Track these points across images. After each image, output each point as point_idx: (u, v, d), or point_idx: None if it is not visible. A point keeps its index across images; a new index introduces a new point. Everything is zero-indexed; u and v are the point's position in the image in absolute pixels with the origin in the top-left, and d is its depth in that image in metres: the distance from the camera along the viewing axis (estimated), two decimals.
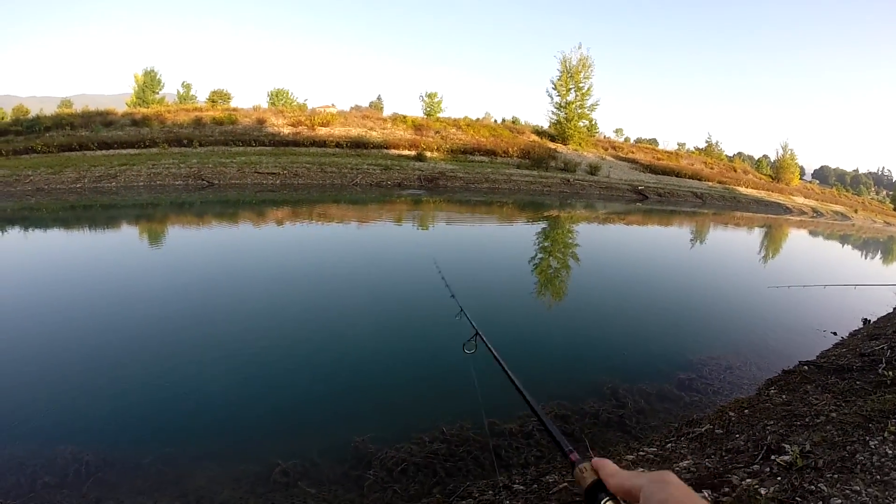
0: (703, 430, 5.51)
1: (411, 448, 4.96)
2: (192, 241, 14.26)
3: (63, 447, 4.72)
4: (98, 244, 13.56)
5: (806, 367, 7.70)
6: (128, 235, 14.70)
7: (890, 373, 6.59)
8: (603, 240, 20.22)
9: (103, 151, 28.30)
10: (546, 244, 17.44)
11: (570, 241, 18.74)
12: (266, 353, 7.07)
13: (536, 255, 15.48)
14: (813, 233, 36.56)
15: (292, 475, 4.52)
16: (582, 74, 48.27)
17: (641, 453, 5.03)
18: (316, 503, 4.25)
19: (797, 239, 31.64)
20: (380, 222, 18.78)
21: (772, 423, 5.40)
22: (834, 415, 5.34)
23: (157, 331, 7.61)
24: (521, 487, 4.33)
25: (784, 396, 6.46)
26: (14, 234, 14.41)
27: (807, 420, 5.33)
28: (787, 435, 4.93)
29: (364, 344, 7.69)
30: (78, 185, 22.54)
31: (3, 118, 38.09)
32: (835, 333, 10.22)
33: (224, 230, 15.85)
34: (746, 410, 6.02)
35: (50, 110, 43.08)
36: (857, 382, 6.58)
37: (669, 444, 5.27)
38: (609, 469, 0.82)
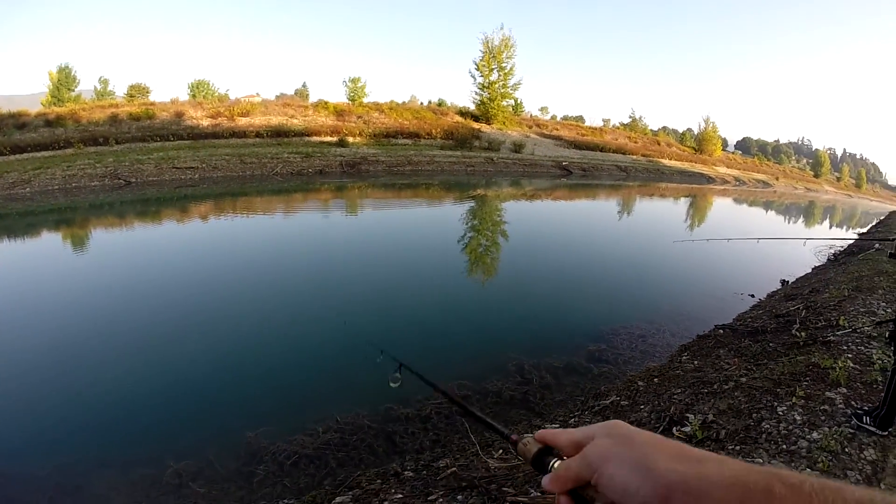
0: (608, 402, 5.56)
1: (304, 440, 4.94)
2: (100, 246, 13.89)
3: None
4: (11, 254, 13.12)
5: (721, 331, 7.91)
6: (42, 243, 14.23)
7: (803, 333, 6.85)
8: (521, 217, 20.60)
9: (17, 156, 27.12)
10: (463, 225, 17.76)
11: (488, 220, 19.13)
12: (161, 354, 6.89)
13: (451, 236, 15.70)
14: (735, 200, 38.11)
15: (185, 476, 4.48)
16: (504, 55, 48.99)
17: (537, 428, 5.02)
18: (206, 502, 4.24)
19: (718, 206, 32.97)
20: (289, 215, 18.71)
21: (679, 391, 5.49)
22: (744, 380, 5.46)
23: (47, 337, 7.32)
24: (411, 474, 4.30)
25: (696, 362, 6.58)
26: None
27: (715, 387, 5.41)
28: (693, 404, 5.03)
29: (259, 341, 7.47)
30: None
31: None
32: (752, 296, 10.63)
33: (134, 232, 15.53)
34: (656, 379, 6.09)
35: None
36: (771, 344, 6.79)
37: (573, 420, 5.29)
38: (555, 431, 0.81)
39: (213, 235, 14.74)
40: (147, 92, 48.29)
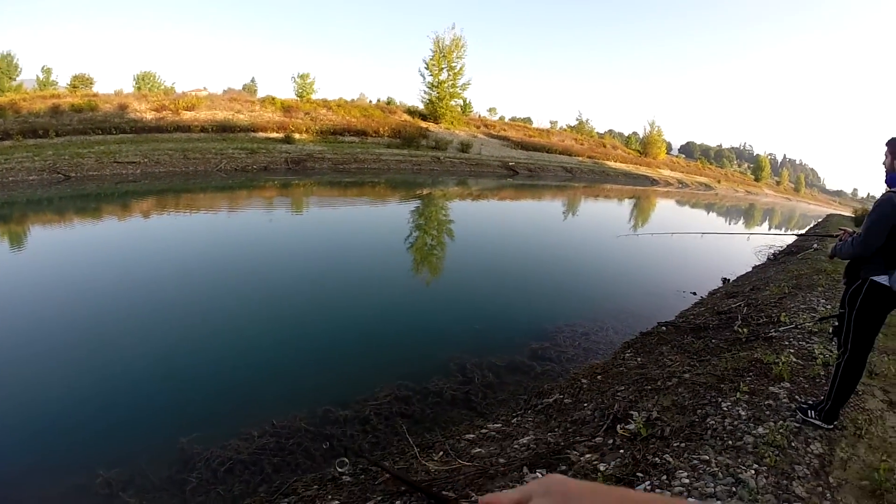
0: (551, 400, 5.54)
1: (238, 445, 4.84)
2: (33, 244, 13.39)
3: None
4: None
5: (664, 328, 8.10)
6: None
7: (745, 329, 7.07)
8: (466, 217, 20.89)
9: None
10: (406, 224, 17.96)
11: (432, 219, 19.39)
12: (89, 357, 6.68)
13: (393, 236, 15.87)
14: (678, 202, 39.16)
15: (115, 485, 4.36)
16: (455, 54, 49.37)
17: (484, 430, 4.98)
18: None
19: (661, 206, 33.91)
20: (230, 213, 18.53)
21: (623, 388, 5.50)
22: (687, 376, 5.52)
23: None
24: (349, 479, 4.20)
25: (639, 359, 6.68)
26: None
27: (659, 383, 5.44)
28: (637, 401, 5.02)
29: (191, 343, 7.31)
30: None
31: None
32: (694, 293, 11.00)
33: (70, 230, 15.08)
34: (599, 376, 6.13)
35: None
36: (713, 341, 6.96)
37: (515, 419, 5.24)
38: (497, 495, 0.73)
39: (149, 235, 14.38)
40: (91, 83, 47.27)
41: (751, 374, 5.39)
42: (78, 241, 13.57)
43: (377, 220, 18.77)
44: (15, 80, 45.39)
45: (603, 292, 11.10)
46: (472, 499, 3.55)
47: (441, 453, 4.46)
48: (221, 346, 7.31)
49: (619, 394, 5.35)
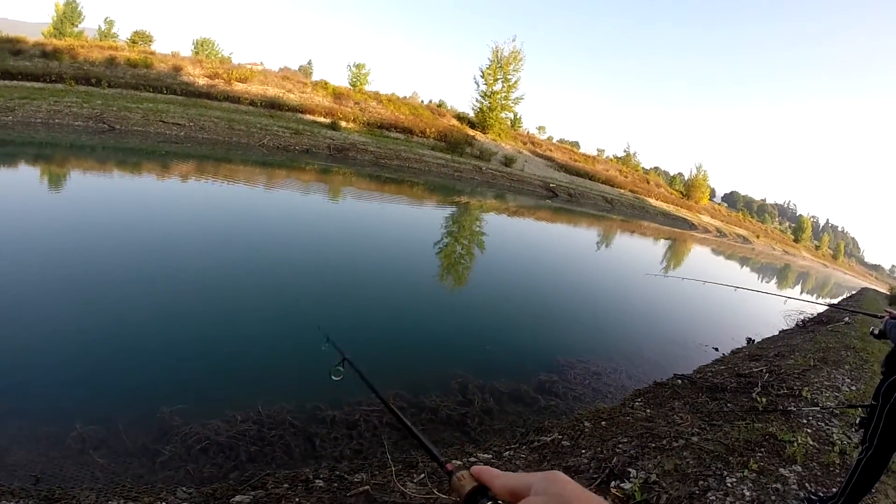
0: (549, 439, 5.24)
1: (219, 426, 4.71)
2: (65, 191, 13.60)
3: None
4: None
5: (679, 381, 7.66)
6: (21, 179, 13.97)
7: (763, 399, 6.63)
8: (498, 232, 20.38)
9: (5, 81, 26.98)
10: (438, 230, 17.57)
11: (465, 229, 18.97)
12: (93, 310, 6.67)
13: (422, 239, 15.62)
14: (714, 250, 38.39)
15: (88, 442, 4.29)
16: (511, 67, 48.87)
17: (473, 459, 4.72)
18: (103, 474, 4.02)
19: (696, 251, 33.17)
20: (266, 190, 18.46)
21: (626, 440, 5.19)
22: (695, 439, 5.19)
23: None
24: (322, 484, 4.04)
25: (648, 411, 6.29)
26: None
27: (664, 442, 5.12)
28: (638, 458, 4.74)
29: (197, 313, 7.28)
30: None
31: None
32: (716, 349, 10.46)
33: (103, 181, 15.28)
34: (604, 422, 5.78)
35: None
36: (729, 405, 6.57)
37: (508, 452, 4.96)
38: (493, 472, 0.78)
39: (176, 199, 14.30)
40: (150, 40, 47.71)
41: (762, 449, 5.04)
42: (105, 195, 13.57)
43: (408, 220, 18.45)
44: (77, 26, 46.15)
45: (623, 332, 10.66)
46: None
47: (423, 475, 4.23)
48: (224, 323, 7.18)
49: (620, 445, 5.04)
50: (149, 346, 6.10)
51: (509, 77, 49.14)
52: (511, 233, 21.08)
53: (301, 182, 21.64)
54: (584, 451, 4.91)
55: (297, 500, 3.74)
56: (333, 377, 2.88)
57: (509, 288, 12.16)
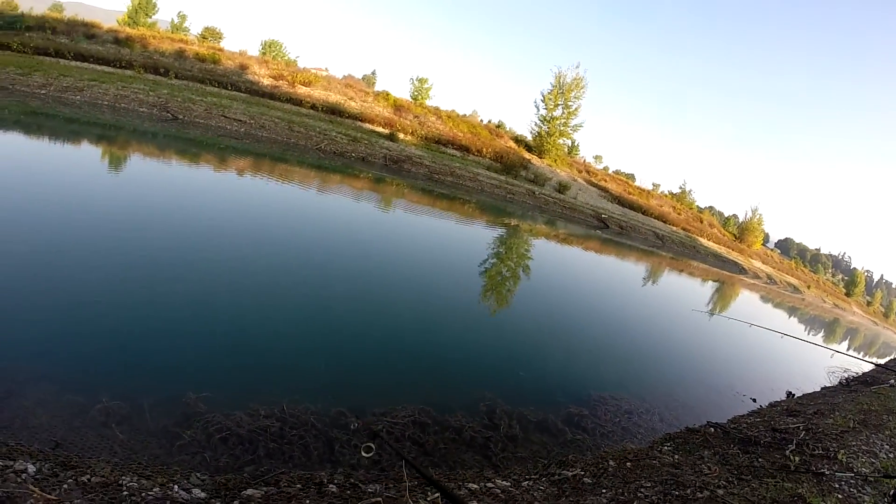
0: (570, 474, 5.04)
1: (241, 418, 4.73)
2: (123, 174, 14.11)
3: None
4: (46, 159, 13.35)
5: (712, 430, 7.28)
6: (83, 155, 14.59)
7: (796, 458, 6.20)
8: (544, 258, 19.98)
9: (78, 63, 27.83)
10: (484, 250, 17.27)
11: (511, 252, 18.61)
12: (140, 288, 6.91)
13: (467, 257, 15.38)
14: (762, 297, 37.26)
15: (112, 416, 4.38)
16: (573, 94, 48.21)
17: (490, 485, 4.60)
18: (121, 449, 4.09)
19: (744, 297, 32.14)
20: (320, 193, 18.65)
21: (649, 485, 4.94)
22: (721, 492, 4.90)
23: (52, 256, 7.28)
24: (335, 489, 4.01)
25: (676, 457, 6.02)
26: None
27: (688, 492, 4.84)
28: None
29: (240, 306, 7.37)
30: (42, 91, 22.43)
31: None
32: (754, 400, 9.93)
33: (161, 168, 15.69)
34: (629, 463, 5.55)
35: (41, 12, 42.20)
36: (760, 460, 6.19)
37: (526, 482, 4.76)
38: None
39: (227, 192, 14.64)
40: (220, 37, 48.62)
41: None
42: (162, 180, 14.04)
43: (456, 236, 18.25)
44: (150, 17, 47.43)
45: (660, 372, 10.26)
46: None
47: (437, 495, 4.09)
48: (261, 318, 7.23)
49: (643, 490, 4.78)
50: (185, 331, 6.25)
51: (570, 104, 48.48)
52: (557, 259, 20.65)
53: (353, 189, 21.66)
54: (604, 491, 4.72)
55: (307, 501, 3.74)
56: (365, 454, 2.78)
57: (549, 314, 11.84)
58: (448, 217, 21.81)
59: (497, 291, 12.45)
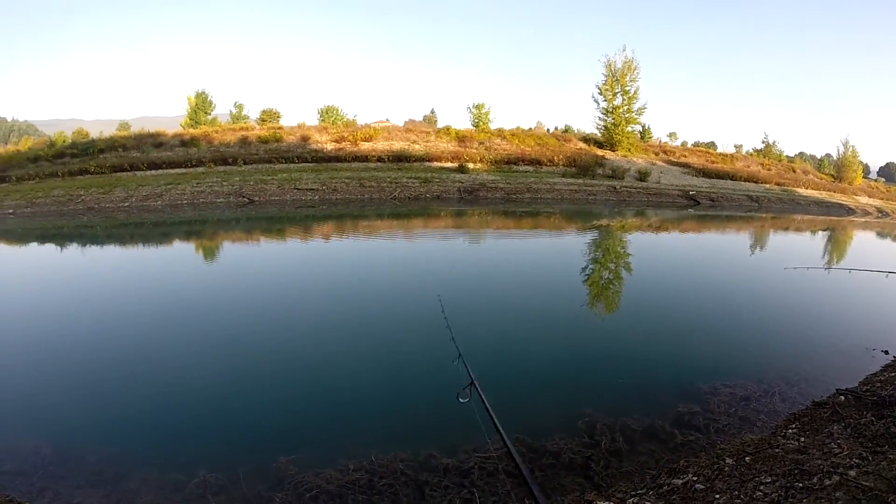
0: (681, 482, 4.53)
1: (331, 475, 4.75)
2: (203, 256, 15.04)
3: (28, 441, 5.16)
4: (132, 258, 14.61)
5: (842, 398, 6.36)
6: (165, 251, 15.76)
7: None
8: (634, 251, 19.01)
9: (152, 171, 29.36)
10: (574, 260, 16.64)
11: (603, 255, 17.94)
12: (229, 366, 7.23)
13: (550, 270, 14.84)
14: (879, 233, 34.79)
15: (209, 487, 4.56)
16: (627, 77, 47.04)
17: None
18: None
19: (860, 240, 29.93)
20: (399, 240, 18.54)
21: (770, 479, 4.31)
22: (852, 473, 4.15)
23: (151, 338, 8.07)
24: None
25: (802, 439, 5.24)
26: (57, 249, 15.93)
27: (815, 480, 4.17)
28: (780, 503, 3.92)
29: (323, 363, 7.50)
30: (125, 204, 23.81)
31: (64, 141, 39.51)
32: (886, 352, 8.62)
33: (241, 246, 16.51)
34: (748, 458, 4.87)
35: (111, 133, 44.84)
36: None
37: (632, 499, 4.31)
38: None
39: (308, 254, 15.22)
40: (278, 116, 50.29)
41: None
42: (247, 258, 14.97)
43: (541, 249, 17.84)
44: (210, 114, 49.56)
45: (775, 346, 9.08)
46: None
47: None
48: (342, 372, 7.29)
49: (762, 487, 4.09)
50: (273, 397, 6.45)
51: (627, 88, 47.31)
52: (650, 250, 19.57)
53: (435, 227, 21.63)
54: (717, 496, 4.09)
55: None
56: (461, 399, 2.52)
57: (647, 311, 11.05)
58: (531, 234, 21.38)
59: (591, 299, 11.87)
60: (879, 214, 50.85)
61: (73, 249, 15.73)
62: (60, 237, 18.07)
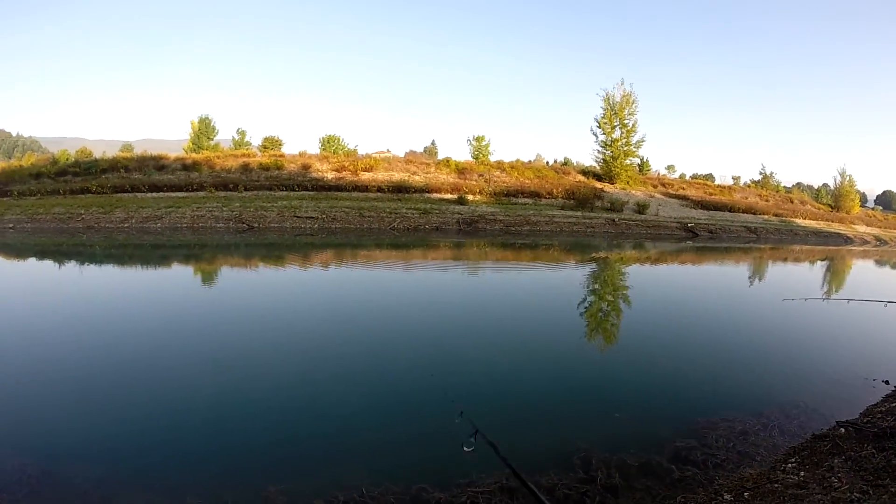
0: None
1: None
2: (200, 281, 15.08)
3: (16, 459, 5.09)
4: (130, 280, 14.54)
5: (843, 430, 6.30)
6: (161, 273, 15.84)
7: None
8: (631, 283, 19.09)
9: (153, 194, 29.69)
10: (571, 293, 16.43)
11: (600, 289, 17.87)
12: (220, 393, 7.12)
13: (547, 301, 14.85)
14: (877, 262, 34.76)
15: None
16: (626, 111, 47.59)
17: None
18: None
19: (858, 269, 29.88)
20: (396, 270, 18.57)
21: None
22: None
23: (144, 361, 8.03)
24: None
25: (802, 474, 5.19)
26: (54, 265, 16.12)
27: None
28: None
29: (318, 391, 7.46)
30: (125, 225, 24.25)
31: (67, 159, 39.83)
32: (887, 382, 8.55)
33: (236, 272, 16.53)
34: (747, 493, 4.88)
35: (114, 153, 45.22)
36: None
37: None
38: None
39: (305, 283, 15.09)
40: (280, 144, 50.74)
41: None
42: (243, 284, 14.96)
43: (538, 282, 17.78)
44: (212, 139, 49.94)
45: (773, 378, 9.04)
46: None
47: None
48: (337, 403, 7.17)
49: None
50: (265, 422, 6.40)
51: (626, 122, 47.82)
52: (647, 282, 19.65)
53: (434, 260, 21.61)
54: None
55: None
56: (465, 448, 2.58)
57: (643, 344, 11.00)
58: (529, 266, 21.39)
59: (588, 332, 11.84)
60: (878, 243, 50.95)
61: (70, 267, 15.84)
62: (59, 254, 18.31)
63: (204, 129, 49.82)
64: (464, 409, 6.35)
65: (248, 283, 14.82)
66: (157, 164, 34.60)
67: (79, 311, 10.86)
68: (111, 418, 6.13)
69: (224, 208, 26.67)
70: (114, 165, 33.84)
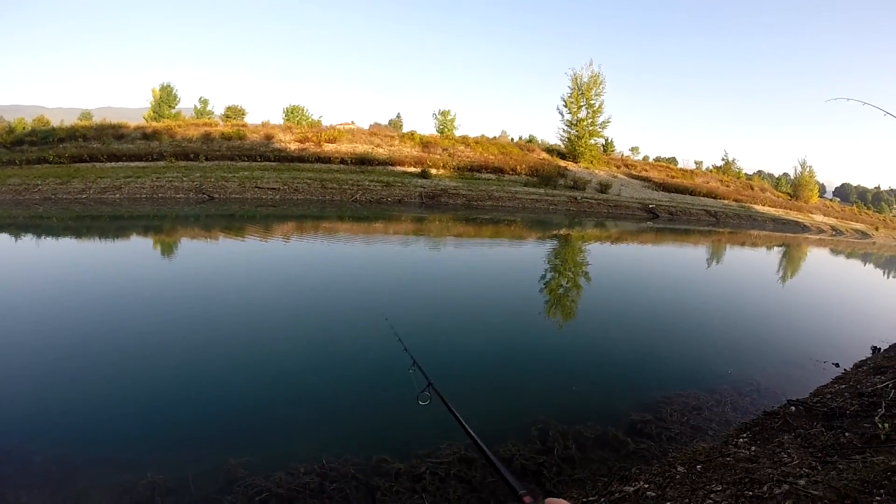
0: (632, 489, 4.63)
1: (281, 478, 4.74)
2: (160, 253, 14.83)
3: None
4: (86, 252, 14.35)
5: (793, 409, 6.57)
6: (119, 245, 15.48)
7: (886, 425, 5.38)
8: (591, 261, 19.20)
9: (112, 164, 29.03)
10: (532, 268, 16.82)
11: (552, 261, 18.19)
12: (178, 366, 7.10)
13: (505, 275, 15.02)
14: (832, 251, 35.65)
15: (157, 489, 4.53)
16: (593, 91, 47.74)
17: None
18: None
19: (813, 257, 30.70)
20: (357, 243, 18.38)
21: (720, 488, 4.43)
22: (802, 482, 4.32)
23: (98, 337, 7.95)
24: None
25: (753, 448, 5.42)
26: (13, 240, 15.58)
27: (765, 489, 4.31)
28: None
29: (275, 365, 7.42)
30: (83, 196, 23.65)
31: (23, 128, 38.74)
32: (837, 365, 8.98)
33: (196, 245, 16.36)
34: (699, 466, 5.01)
35: (72, 122, 44.22)
36: (846, 434, 5.49)
37: None
38: None
39: (265, 255, 14.94)
40: (243, 114, 50.10)
41: (882, 492, 3.90)
42: (203, 257, 14.76)
43: (500, 257, 17.93)
44: (174, 108, 49.11)
45: (728, 356, 9.34)
46: None
47: None
48: (297, 375, 7.26)
49: (712, 496, 4.26)
50: (223, 397, 6.42)
51: (592, 102, 47.98)
52: (606, 261, 19.80)
53: (395, 232, 21.72)
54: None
55: None
56: (420, 402, 2.91)
57: (602, 320, 11.31)
58: (490, 242, 21.47)
59: (549, 307, 11.99)
60: (834, 232, 52.27)
61: (26, 241, 15.44)
62: (14, 227, 17.79)
63: (165, 98, 48.97)
64: (413, 384, 6.64)
65: (207, 257, 14.68)
66: (117, 132, 33.87)
67: (33, 287, 10.61)
68: (65, 397, 6.09)
69: (184, 178, 26.27)
70: (72, 134, 33.04)
